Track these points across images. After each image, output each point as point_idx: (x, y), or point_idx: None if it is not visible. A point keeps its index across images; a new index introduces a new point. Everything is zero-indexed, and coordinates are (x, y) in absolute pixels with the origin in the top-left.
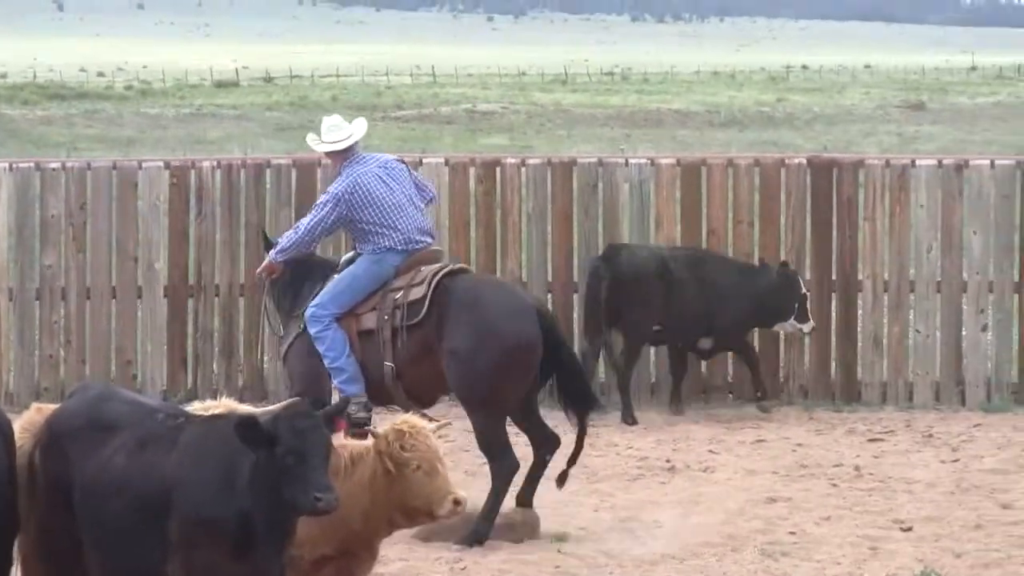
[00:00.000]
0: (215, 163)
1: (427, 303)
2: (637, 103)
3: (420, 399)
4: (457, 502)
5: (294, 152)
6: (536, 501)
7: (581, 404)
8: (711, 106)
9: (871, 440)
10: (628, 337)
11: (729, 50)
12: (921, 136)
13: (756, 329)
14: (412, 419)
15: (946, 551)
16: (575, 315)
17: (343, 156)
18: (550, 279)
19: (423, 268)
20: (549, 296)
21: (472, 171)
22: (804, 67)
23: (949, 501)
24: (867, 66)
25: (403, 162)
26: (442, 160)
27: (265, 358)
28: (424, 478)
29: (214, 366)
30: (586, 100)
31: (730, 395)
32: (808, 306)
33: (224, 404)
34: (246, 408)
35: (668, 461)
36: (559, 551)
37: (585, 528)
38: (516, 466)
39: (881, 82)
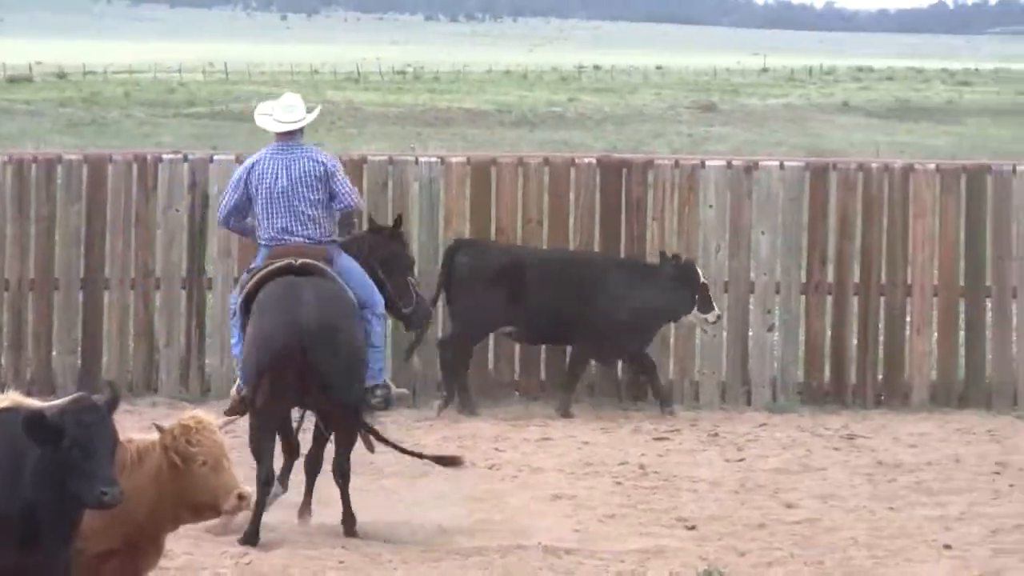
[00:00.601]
0: (6, 158)
1: (242, 301)
2: (429, 102)
3: None
4: (242, 497)
5: (85, 148)
6: (324, 497)
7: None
8: (502, 105)
9: (656, 439)
10: (457, 333)
11: (522, 50)
12: (712, 137)
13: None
14: (198, 414)
15: (729, 550)
16: None
17: (286, 138)
18: None
19: (273, 263)
20: None
21: None
22: (596, 67)
23: (733, 500)
24: (659, 67)
25: (333, 165)
26: (233, 157)
27: (53, 352)
28: (210, 473)
29: (2, 360)
30: (378, 98)
31: (516, 393)
32: (710, 295)
33: (10, 397)
34: (32, 402)
35: None
36: (343, 547)
37: (371, 523)
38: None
39: (672, 83)
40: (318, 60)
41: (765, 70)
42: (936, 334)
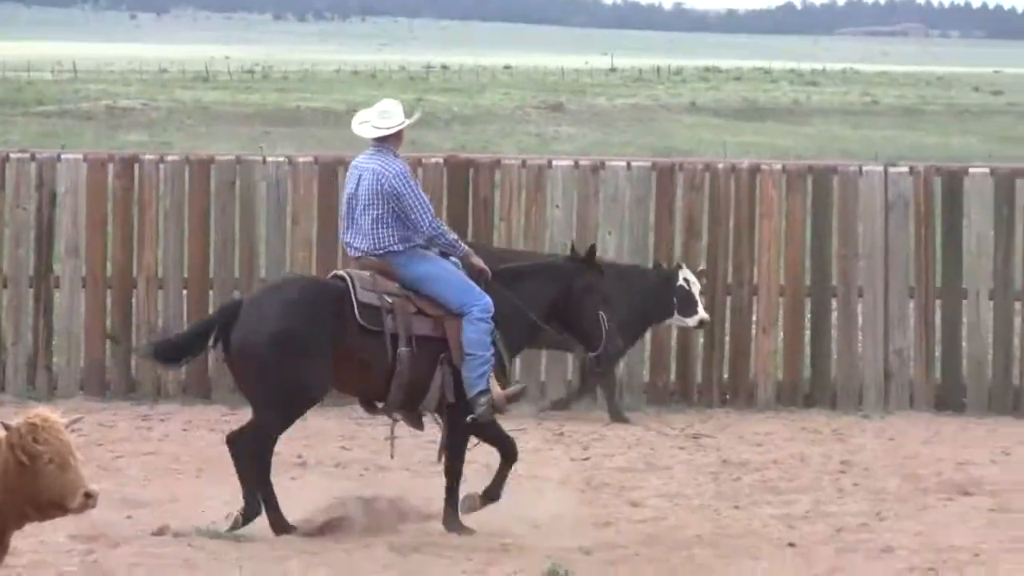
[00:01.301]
0: None
1: None
2: (277, 101)
3: None
4: (89, 495)
5: None
6: (166, 495)
7: None
8: (351, 105)
9: None
10: None
11: (370, 50)
12: (560, 137)
13: None
14: (44, 412)
15: (575, 548)
16: (210, 310)
17: (378, 144)
18: (186, 275)
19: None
20: (185, 293)
21: (110, 167)
22: (444, 67)
23: (579, 498)
24: (507, 67)
25: (400, 183)
26: (80, 156)
27: None
28: (56, 471)
29: None
30: (227, 97)
31: None
32: (698, 299)
33: None
34: None
35: (300, 457)
36: (189, 545)
37: (215, 523)
38: None
39: (521, 83)
40: (166, 59)
41: (613, 70)
42: (782, 333)
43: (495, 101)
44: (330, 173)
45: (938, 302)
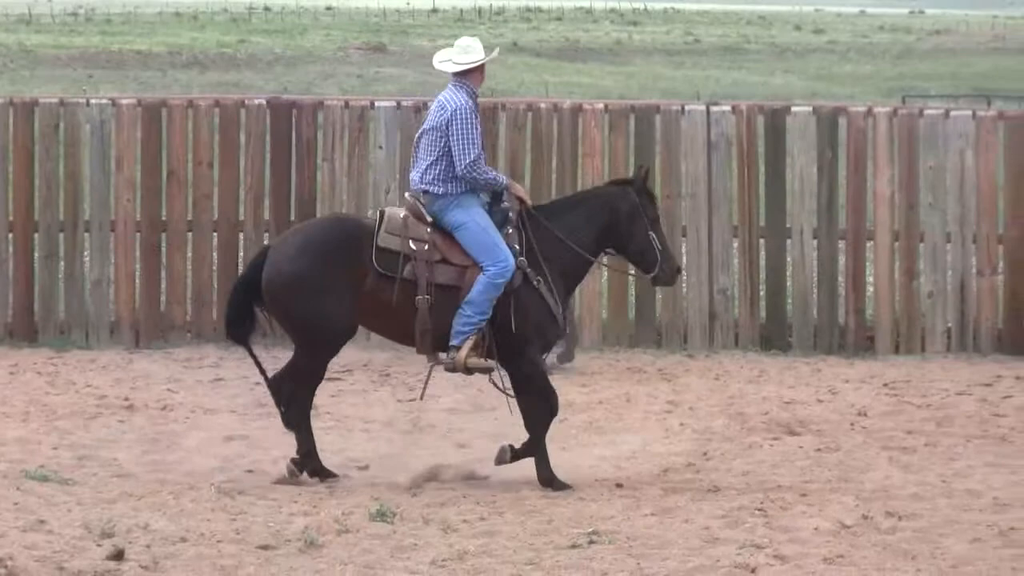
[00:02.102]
0: None
1: None
2: (100, 44)
3: None
4: None
5: None
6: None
7: None
8: (173, 47)
9: (329, 380)
10: None
11: None
12: (382, 78)
13: None
14: None
15: (402, 489)
16: (35, 253)
17: (458, 79)
18: (11, 218)
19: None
20: (10, 236)
21: None
22: (266, 8)
23: (406, 440)
24: (328, 8)
25: (456, 113)
26: None
27: None
28: None
29: None
30: (49, 41)
31: (188, 334)
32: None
33: None
34: None
35: (127, 399)
36: (19, 488)
37: (44, 466)
38: None
39: (343, 24)
40: None
41: (435, 11)
42: (606, 274)
43: (317, 43)
44: (153, 115)
45: (762, 241)
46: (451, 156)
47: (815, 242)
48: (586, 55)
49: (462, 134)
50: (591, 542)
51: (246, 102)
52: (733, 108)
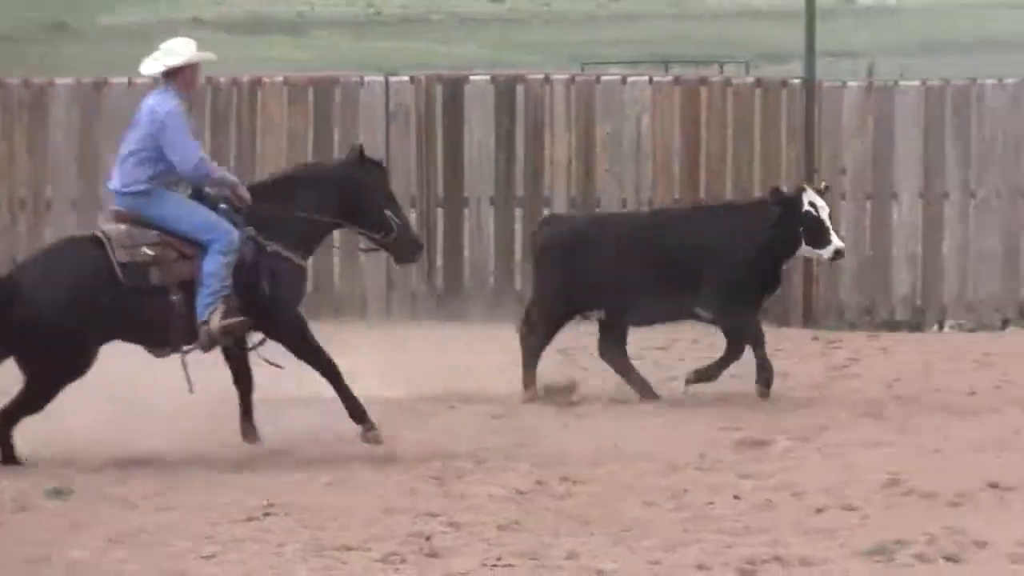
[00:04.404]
0: None
1: None
2: None
3: None
4: None
5: None
6: None
7: None
8: None
9: None
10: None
11: None
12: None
13: None
14: None
15: (84, 468)
16: None
17: (162, 83)
18: None
19: None
20: None
21: None
22: None
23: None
24: None
25: (167, 116)
26: None
27: None
28: None
29: None
30: None
31: None
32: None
33: None
34: None
35: None
36: None
37: None
38: None
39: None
40: None
41: None
42: None
43: None
44: None
45: (440, 211)
46: (156, 158)
47: (492, 210)
48: (269, 28)
49: (178, 137)
50: (267, 514)
51: None
52: (412, 79)
